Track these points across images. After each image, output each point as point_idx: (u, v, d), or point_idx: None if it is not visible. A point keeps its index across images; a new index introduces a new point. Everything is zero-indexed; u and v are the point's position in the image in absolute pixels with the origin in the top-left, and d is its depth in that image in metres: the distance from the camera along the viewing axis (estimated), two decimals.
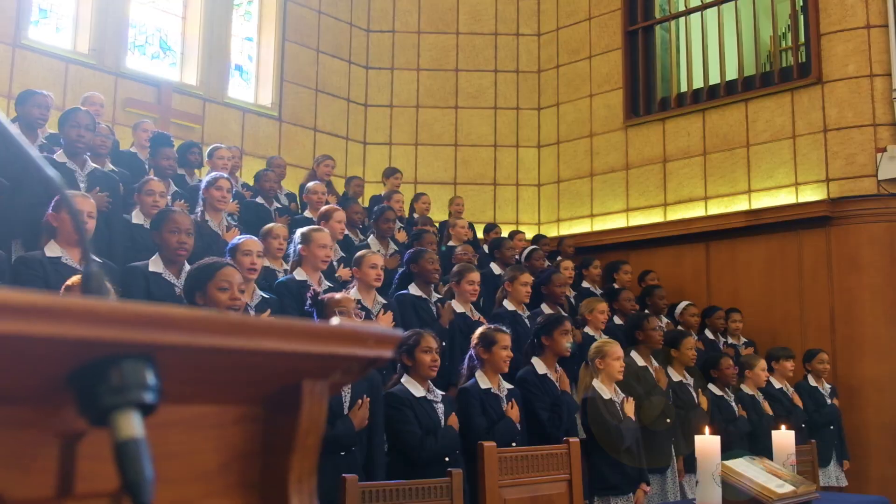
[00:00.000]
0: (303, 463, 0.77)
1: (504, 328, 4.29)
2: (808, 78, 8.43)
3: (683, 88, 9.78)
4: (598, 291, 7.90)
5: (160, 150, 6.22)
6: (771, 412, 6.17)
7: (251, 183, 7.85)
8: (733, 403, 5.86)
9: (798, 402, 6.60)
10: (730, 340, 7.81)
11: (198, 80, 9.61)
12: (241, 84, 10.31)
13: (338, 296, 3.66)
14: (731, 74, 9.23)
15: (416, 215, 9.06)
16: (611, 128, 10.27)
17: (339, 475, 3.29)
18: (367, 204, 9.06)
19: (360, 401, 3.52)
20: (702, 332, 7.58)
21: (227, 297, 3.24)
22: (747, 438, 5.64)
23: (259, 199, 7.21)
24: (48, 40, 8.41)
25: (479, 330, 4.27)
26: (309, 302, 3.72)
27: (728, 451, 3.86)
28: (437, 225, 8.97)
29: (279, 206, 7.45)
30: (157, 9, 9.63)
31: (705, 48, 9.53)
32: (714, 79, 9.41)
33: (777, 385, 6.61)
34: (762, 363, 6.38)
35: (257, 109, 10.17)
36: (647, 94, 10.06)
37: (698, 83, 9.58)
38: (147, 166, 6.79)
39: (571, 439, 3.32)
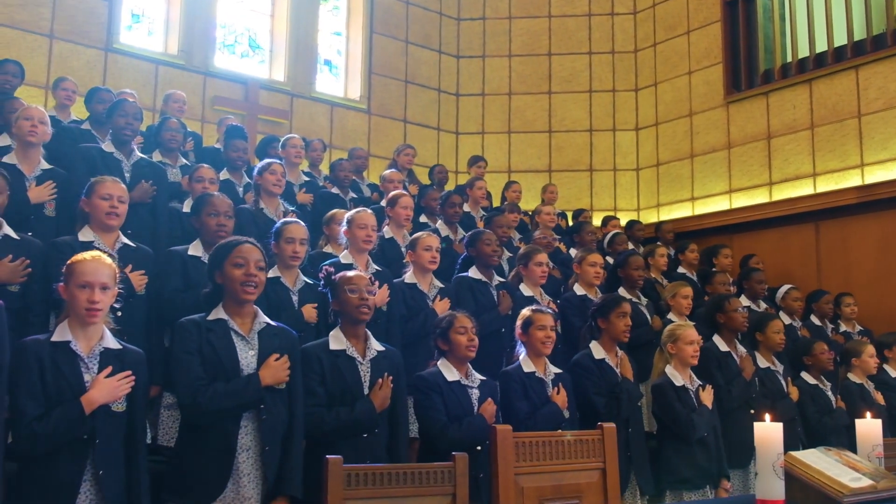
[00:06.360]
0: None
1: (545, 308, 4.02)
2: None
3: (788, 58, 9.12)
4: (695, 277, 7.42)
5: (231, 143, 6.26)
6: (883, 402, 5.60)
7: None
8: (829, 393, 5.33)
9: None
10: (842, 327, 7.19)
11: (285, 76, 9.72)
12: (330, 78, 10.37)
13: (349, 274, 3.49)
14: (840, 40, 8.52)
15: (506, 203, 8.83)
16: (711, 105, 9.71)
17: (361, 458, 3.15)
18: None
19: (380, 380, 3.35)
20: (807, 317, 7.00)
21: (241, 272, 3.09)
22: (846, 432, 5.09)
23: (335, 190, 7.15)
24: (138, 43, 8.70)
25: (521, 312, 4.02)
26: (322, 282, 3.57)
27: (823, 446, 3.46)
28: (529, 213, 8.72)
29: (355, 195, 7.37)
30: (246, 8, 9.81)
31: (811, 13, 8.84)
32: (821, 46, 8.72)
33: (893, 374, 6.02)
34: (870, 349, 5.79)
35: (345, 103, 10.20)
36: (748, 67, 9.45)
37: (804, 52, 8.90)
38: None
39: (606, 425, 3.01)
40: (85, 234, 3.79)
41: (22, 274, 3.63)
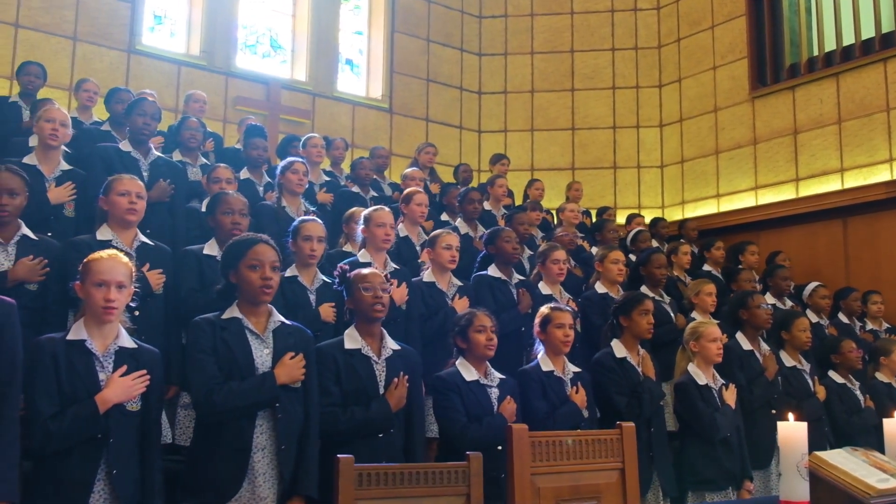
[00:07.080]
0: None
1: (563, 306, 3.96)
2: None
3: (814, 52, 8.98)
4: (720, 275, 7.30)
5: (250, 141, 6.26)
6: None
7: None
8: (858, 392, 5.22)
9: None
10: (869, 325, 7.06)
11: (307, 76, 9.74)
12: (351, 78, 10.37)
13: (364, 271, 3.46)
14: (868, 32, 8.38)
15: (528, 201, 8.77)
16: (736, 100, 9.59)
17: (376, 458, 3.11)
18: None
19: (396, 380, 3.31)
20: (835, 315, 6.88)
21: (257, 275, 3.04)
22: (874, 431, 4.99)
23: (356, 189, 7.14)
24: (160, 44, 8.76)
25: (540, 310, 3.97)
26: (337, 280, 3.54)
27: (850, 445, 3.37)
28: (552, 212, 8.65)
29: (376, 194, 7.35)
30: (268, 8, 9.83)
31: (837, 6, 8.70)
32: (848, 39, 8.58)
33: None
34: None
35: (367, 102, 10.19)
36: (774, 61, 9.31)
37: (830, 45, 8.76)
38: None
39: (625, 424, 2.95)
40: (103, 233, 3.79)
41: (40, 273, 3.64)
